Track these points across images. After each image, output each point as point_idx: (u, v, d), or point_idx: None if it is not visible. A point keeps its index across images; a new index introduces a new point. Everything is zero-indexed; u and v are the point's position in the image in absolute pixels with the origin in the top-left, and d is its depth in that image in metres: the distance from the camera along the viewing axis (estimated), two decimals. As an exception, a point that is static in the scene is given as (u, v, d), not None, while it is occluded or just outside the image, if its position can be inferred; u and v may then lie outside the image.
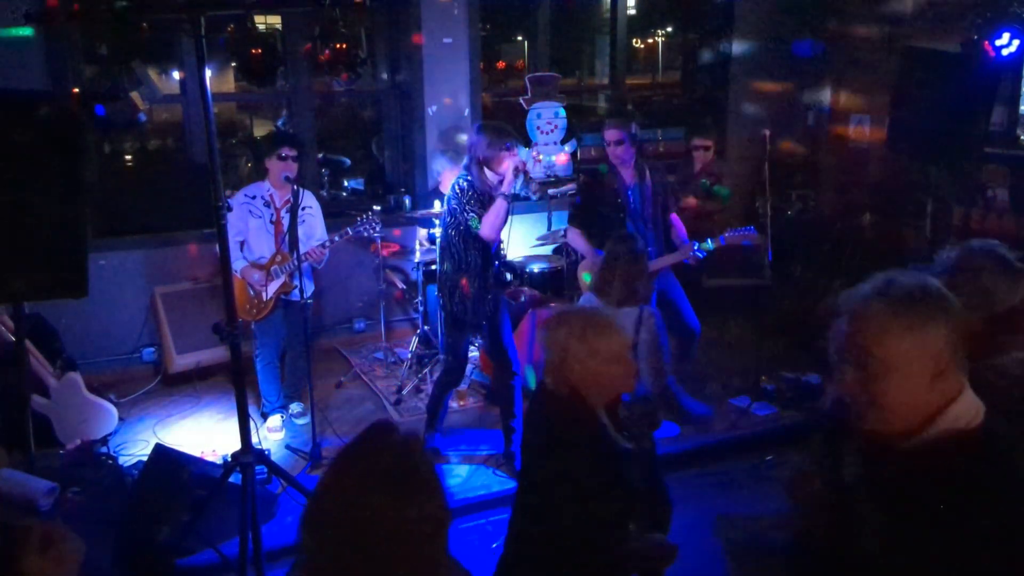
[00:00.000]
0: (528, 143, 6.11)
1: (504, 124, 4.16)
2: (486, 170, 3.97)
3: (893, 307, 1.43)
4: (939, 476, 1.42)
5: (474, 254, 4.03)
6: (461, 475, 4.27)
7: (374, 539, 1.24)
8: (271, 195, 4.62)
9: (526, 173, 3.97)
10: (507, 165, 3.92)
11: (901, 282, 1.46)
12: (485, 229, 3.91)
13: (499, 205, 3.90)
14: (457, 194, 3.98)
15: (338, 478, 1.33)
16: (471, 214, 3.92)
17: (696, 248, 4.58)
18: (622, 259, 3.26)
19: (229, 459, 3.52)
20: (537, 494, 2.24)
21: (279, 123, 7.07)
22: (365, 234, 4.79)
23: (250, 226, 4.60)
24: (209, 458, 4.26)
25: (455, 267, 4.07)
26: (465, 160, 4.09)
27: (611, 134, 4.55)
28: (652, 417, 2.73)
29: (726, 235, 4.64)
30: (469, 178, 3.98)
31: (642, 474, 2.31)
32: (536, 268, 5.65)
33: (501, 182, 3.94)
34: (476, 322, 4.15)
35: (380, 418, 1.43)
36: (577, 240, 4.69)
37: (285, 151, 4.51)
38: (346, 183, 6.65)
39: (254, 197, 4.61)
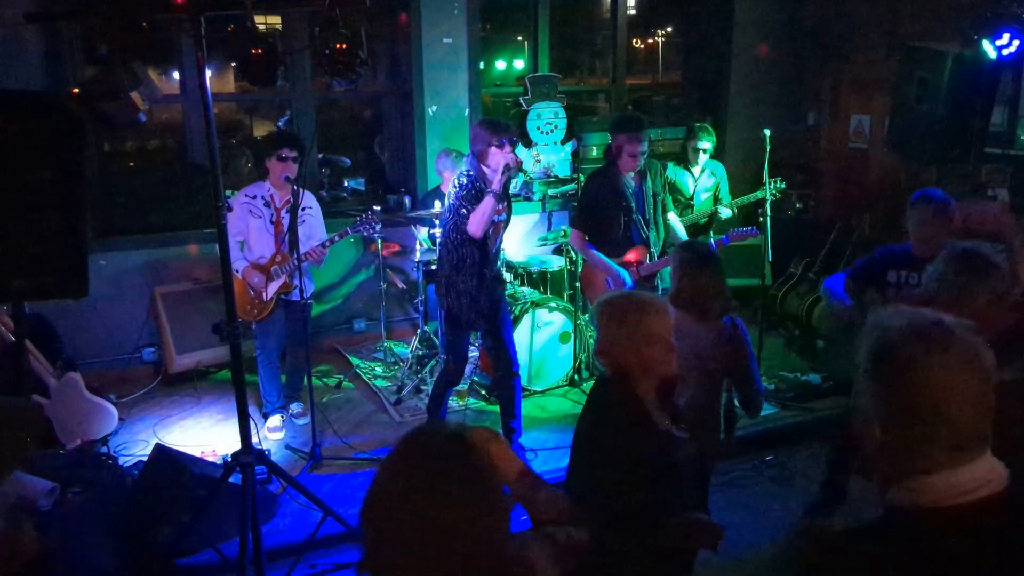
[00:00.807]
0: (528, 142, 6.13)
1: (504, 121, 4.16)
2: (483, 166, 3.98)
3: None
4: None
5: (471, 250, 4.03)
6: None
7: (441, 537, 1.24)
8: (271, 195, 4.62)
9: (524, 172, 3.94)
10: (498, 160, 3.92)
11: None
12: (471, 225, 3.91)
13: (486, 202, 3.89)
14: (456, 189, 4.00)
15: (399, 481, 1.32)
16: (464, 209, 3.93)
17: None
18: (685, 270, 3.12)
19: (229, 459, 3.52)
20: (584, 474, 2.29)
21: (280, 123, 7.08)
22: (365, 233, 4.79)
23: (250, 226, 4.60)
24: (209, 458, 4.26)
25: (452, 264, 4.08)
26: (467, 156, 4.13)
27: (641, 145, 4.45)
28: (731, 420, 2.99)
29: (729, 234, 4.67)
30: (471, 173, 4.00)
31: (689, 462, 2.36)
32: (534, 268, 5.66)
33: None
34: (472, 320, 4.16)
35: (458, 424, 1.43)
36: (577, 241, 4.68)
37: (285, 152, 4.51)
38: (346, 183, 6.65)
39: (254, 197, 4.61)
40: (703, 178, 5.87)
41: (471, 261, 4.04)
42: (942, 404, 1.27)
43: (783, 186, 5.63)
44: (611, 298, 2.33)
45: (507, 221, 4.25)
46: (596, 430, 2.30)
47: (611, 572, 2.14)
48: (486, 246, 4.07)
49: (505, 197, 4.15)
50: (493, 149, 3.93)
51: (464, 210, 3.94)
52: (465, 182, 3.98)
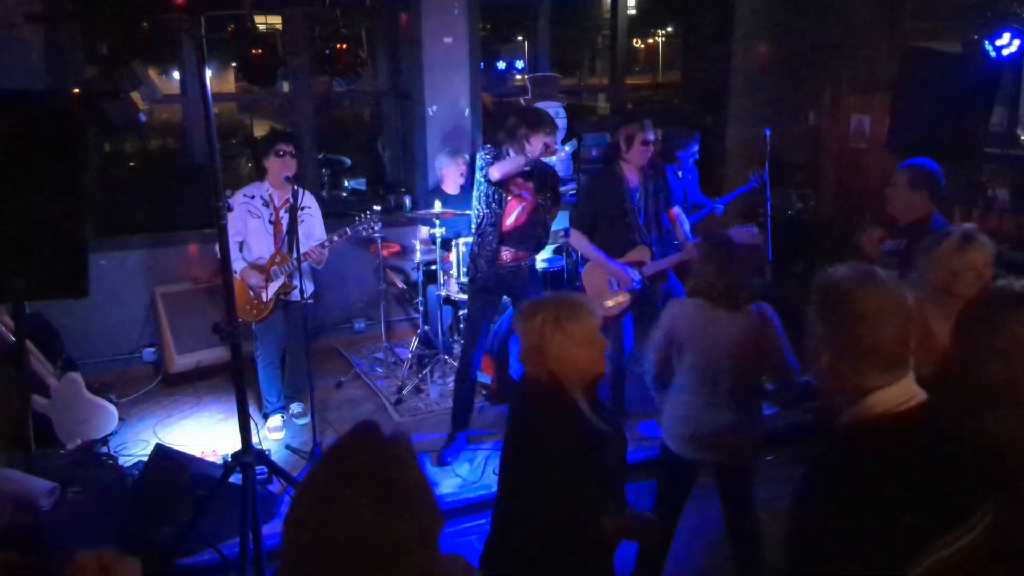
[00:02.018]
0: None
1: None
2: (527, 146, 4.17)
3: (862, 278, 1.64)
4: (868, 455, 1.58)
5: (489, 217, 4.29)
6: (462, 475, 4.27)
7: (357, 550, 1.18)
8: (270, 195, 4.62)
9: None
10: (539, 142, 4.16)
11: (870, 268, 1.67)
12: (495, 168, 4.15)
13: (516, 158, 4.16)
14: (483, 160, 4.24)
15: (318, 484, 1.25)
16: (490, 168, 4.19)
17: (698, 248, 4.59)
18: (715, 260, 3.16)
19: (229, 459, 3.52)
20: (520, 476, 2.32)
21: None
22: (364, 234, 4.79)
23: (249, 226, 4.60)
24: (209, 458, 4.26)
25: (476, 232, 4.37)
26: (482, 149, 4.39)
27: (651, 133, 4.54)
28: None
29: (731, 230, 4.68)
30: (498, 149, 4.27)
31: (618, 456, 2.44)
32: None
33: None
34: (492, 289, 4.38)
35: (364, 419, 1.31)
36: (579, 241, 4.68)
37: (282, 147, 4.51)
38: (346, 183, 6.65)
39: (253, 197, 4.61)
40: (685, 180, 5.86)
41: (485, 224, 4.29)
42: (874, 330, 1.57)
43: (763, 174, 5.61)
44: (546, 302, 2.34)
45: (538, 211, 4.38)
46: (534, 435, 2.29)
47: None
48: (501, 214, 4.26)
49: (533, 179, 4.33)
50: (539, 134, 4.13)
51: (489, 166, 4.19)
52: (491, 149, 4.26)
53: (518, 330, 2.34)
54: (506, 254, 4.36)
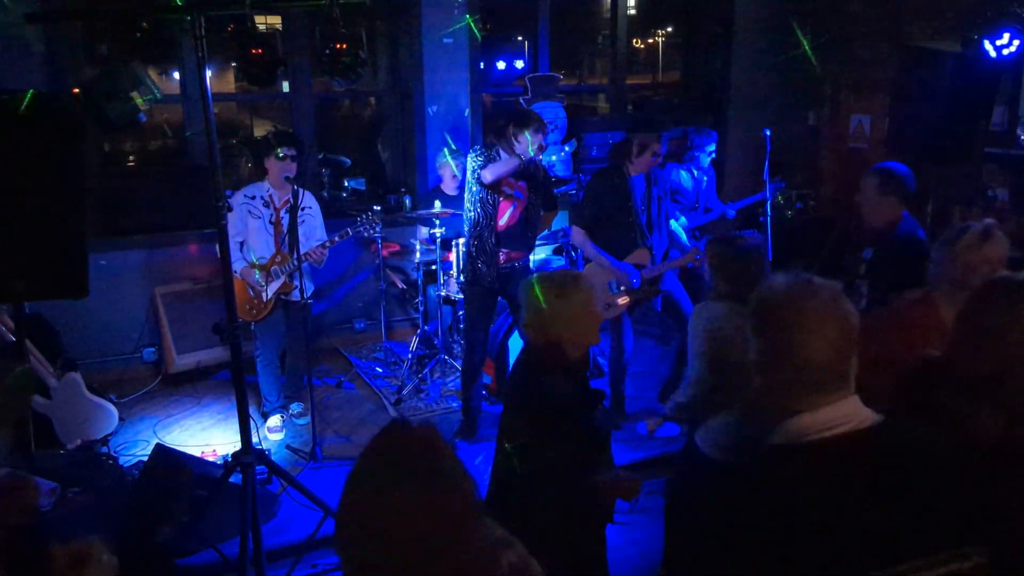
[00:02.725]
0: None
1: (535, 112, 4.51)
2: (514, 142, 4.20)
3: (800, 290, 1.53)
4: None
5: (482, 215, 4.32)
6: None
7: (407, 538, 1.21)
8: (271, 195, 4.62)
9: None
10: (526, 140, 4.19)
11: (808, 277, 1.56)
12: (488, 174, 4.18)
13: (508, 160, 4.18)
14: (475, 159, 4.27)
15: (361, 482, 1.28)
16: (481, 169, 4.21)
17: (701, 251, 4.61)
18: (738, 261, 3.15)
19: (229, 459, 3.52)
20: (519, 435, 2.45)
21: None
22: (365, 234, 4.80)
23: (249, 226, 4.60)
24: (209, 458, 4.26)
25: (470, 230, 4.41)
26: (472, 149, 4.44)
27: (665, 147, 4.63)
28: None
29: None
30: (488, 149, 4.29)
31: (605, 420, 2.69)
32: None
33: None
34: (492, 288, 4.39)
35: (393, 419, 1.37)
36: (581, 240, 4.68)
37: (284, 151, 4.51)
38: (346, 183, 6.65)
39: (253, 197, 4.61)
40: (699, 180, 5.86)
41: (479, 224, 4.33)
42: (805, 348, 1.45)
43: (783, 185, 5.62)
44: (551, 274, 2.55)
45: (529, 208, 4.39)
46: (534, 394, 2.46)
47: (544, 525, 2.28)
48: (494, 215, 4.29)
49: (525, 178, 4.36)
50: (527, 131, 4.15)
51: (481, 169, 4.22)
52: (482, 151, 4.28)
53: (523, 299, 2.51)
54: (501, 255, 4.38)
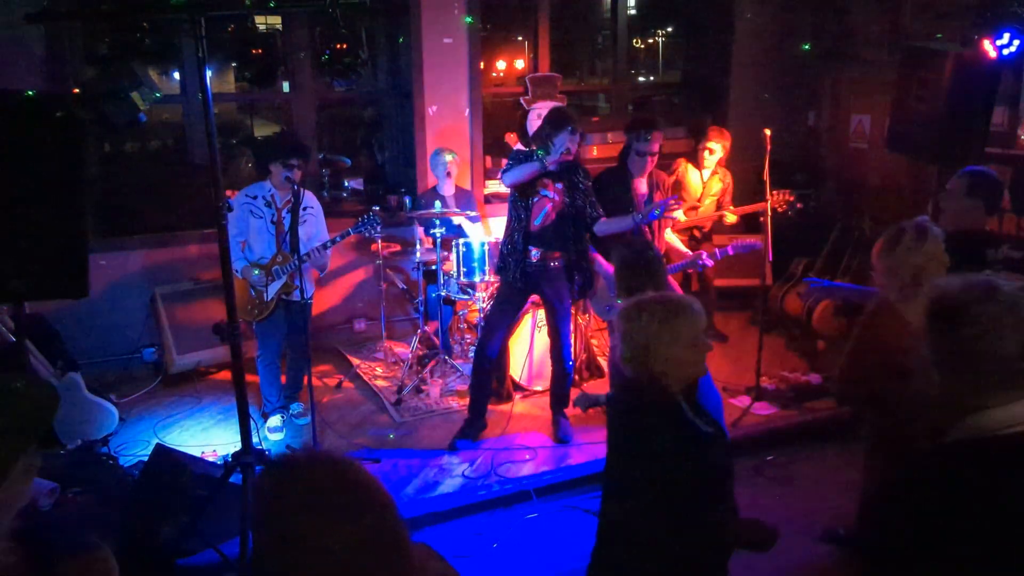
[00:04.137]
0: (529, 142, 6.13)
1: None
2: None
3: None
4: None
5: (514, 215, 4.39)
6: (466, 475, 4.27)
7: (322, 565, 1.17)
8: (272, 195, 4.62)
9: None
10: (563, 141, 4.20)
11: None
12: (506, 179, 4.28)
13: (530, 164, 4.22)
14: (510, 159, 4.36)
15: (268, 516, 1.23)
16: (507, 166, 4.32)
17: (704, 258, 4.63)
18: (637, 265, 3.21)
19: (230, 459, 3.53)
20: (629, 481, 2.30)
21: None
22: (366, 234, 4.80)
23: (251, 226, 4.60)
24: (209, 458, 4.26)
25: (504, 230, 4.48)
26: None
27: (650, 146, 4.60)
28: None
29: (733, 245, 4.74)
30: (528, 148, 4.34)
31: (724, 456, 2.39)
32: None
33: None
34: (518, 285, 4.40)
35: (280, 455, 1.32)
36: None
37: (294, 161, 4.51)
38: (346, 183, 6.65)
39: (255, 197, 4.61)
40: (712, 182, 5.87)
41: (512, 225, 4.40)
42: (992, 346, 1.50)
43: (790, 199, 5.63)
44: (649, 301, 2.30)
45: (566, 211, 4.35)
46: (641, 438, 2.27)
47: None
48: (527, 216, 4.33)
49: (562, 180, 4.34)
50: (561, 134, 4.17)
51: (504, 172, 4.31)
52: (515, 153, 4.39)
53: (620, 331, 2.30)
54: (535, 253, 4.39)
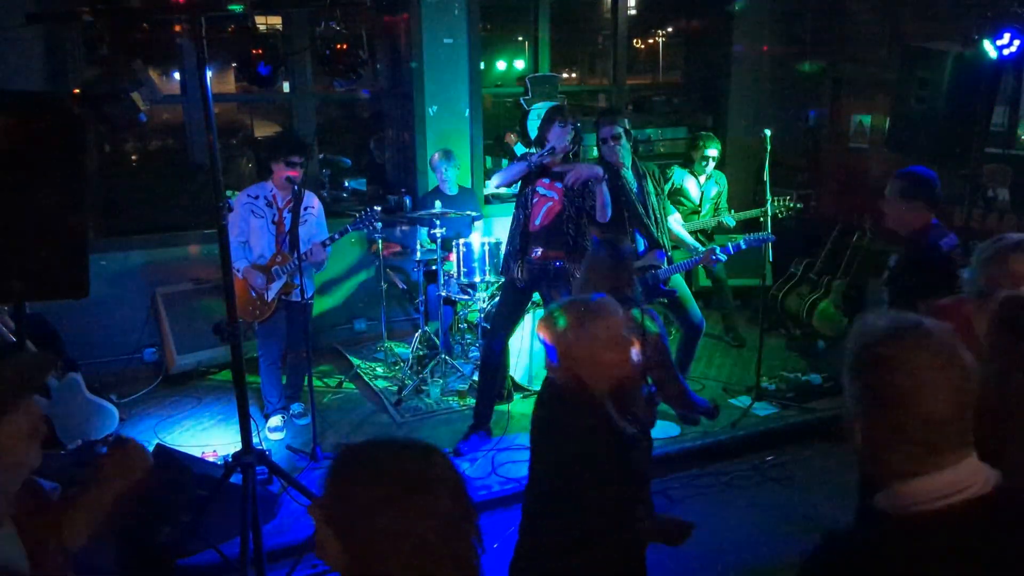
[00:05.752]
0: (529, 142, 6.13)
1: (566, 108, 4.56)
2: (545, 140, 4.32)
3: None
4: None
5: (516, 215, 4.44)
6: (466, 474, 4.26)
7: (397, 550, 1.23)
8: (273, 195, 4.62)
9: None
10: (554, 135, 4.26)
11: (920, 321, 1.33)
12: (494, 180, 4.38)
13: (516, 163, 4.32)
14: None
15: (346, 497, 1.33)
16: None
17: (717, 253, 4.60)
18: (604, 264, 3.19)
19: (230, 459, 3.52)
20: (549, 482, 2.29)
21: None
22: (365, 229, 4.79)
23: (252, 226, 4.60)
24: (210, 458, 4.26)
25: (509, 228, 4.50)
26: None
27: (606, 131, 4.51)
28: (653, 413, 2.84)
29: (746, 239, 4.75)
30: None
31: (646, 460, 2.40)
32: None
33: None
34: (519, 284, 4.41)
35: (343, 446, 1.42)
36: None
37: (295, 158, 4.52)
38: (346, 183, 6.66)
39: (256, 197, 4.61)
40: (709, 186, 5.87)
41: (513, 225, 4.45)
42: (916, 400, 1.25)
43: (791, 204, 5.63)
44: (566, 306, 2.27)
45: (565, 212, 4.33)
46: (560, 439, 2.27)
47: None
48: (529, 215, 4.37)
49: (562, 179, 4.28)
50: (552, 128, 4.25)
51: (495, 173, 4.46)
52: (523, 155, 4.50)
53: (541, 335, 2.27)
54: (536, 252, 4.39)
